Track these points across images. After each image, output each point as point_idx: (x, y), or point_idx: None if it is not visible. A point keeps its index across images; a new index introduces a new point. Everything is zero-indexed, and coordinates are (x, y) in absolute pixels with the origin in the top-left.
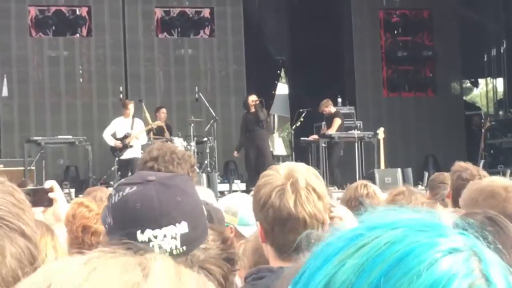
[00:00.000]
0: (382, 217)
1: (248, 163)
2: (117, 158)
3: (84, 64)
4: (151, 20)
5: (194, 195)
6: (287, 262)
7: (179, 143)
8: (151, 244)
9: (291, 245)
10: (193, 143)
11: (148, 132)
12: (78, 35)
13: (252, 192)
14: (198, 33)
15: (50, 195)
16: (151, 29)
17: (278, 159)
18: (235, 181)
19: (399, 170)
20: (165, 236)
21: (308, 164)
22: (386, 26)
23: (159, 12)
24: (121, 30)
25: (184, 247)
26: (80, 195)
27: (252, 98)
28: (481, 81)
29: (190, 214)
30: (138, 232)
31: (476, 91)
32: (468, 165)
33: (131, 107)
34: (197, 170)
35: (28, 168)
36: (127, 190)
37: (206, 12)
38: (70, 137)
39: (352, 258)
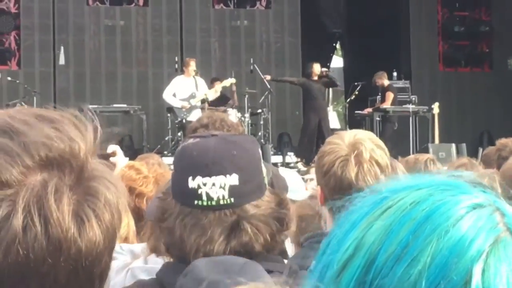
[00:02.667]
0: (405, 181)
1: (306, 129)
2: (182, 120)
3: (140, 33)
4: None
5: (252, 153)
6: None
7: (233, 114)
8: (199, 191)
9: None
10: (247, 115)
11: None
12: (134, 4)
13: (299, 164)
14: (254, 4)
15: (112, 159)
16: (208, 0)
17: (332, 132)
18: (289, 153)
19: (453, 145)
20: (213, 184)
21: None
22: (443, 0)
23: None
24: (178, 0)
25: (232, 199)
26: None
27: (318, 68)
28: None
29: (243, 168)
30: (190, 178)
31: None
32: (509, 141)
33: (192, 64)
34: None
35: None
36: (190, 141)
37: None
38: (125, 105)
39: (379, 219)
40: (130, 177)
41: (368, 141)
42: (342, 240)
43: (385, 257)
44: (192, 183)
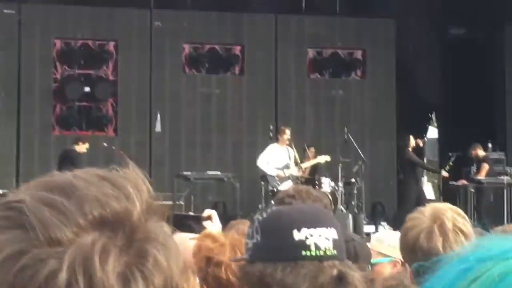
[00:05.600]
0: (492, 247)
1: (406, 198)
2: (274, 188)
3: (235, 101)
4: (303, 61)
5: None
6: None
7: (326, 183)
8: (307, 241)
9: None
10: (340, 184)
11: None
12: (230, 73)
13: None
14: (349, 74)
15: (205, 223)
16: (303, 69)
17: (427, 203)
18: (382, 223)
19: None
20: (320, 235)
21: None
22: None
23: (311, 53)
24: (273, 70)
25: (335, 251)
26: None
27: (413, 140)
28: None
29: (337, 225)
30: (295, 231)
31: None
32: None
33: (287, 132)
34: (342, 208)
35: (177, 202)
36: (275, 207)
37: (358, 53)
38: (219, 173)
39: None
40: (207, 246)
41: (449, 211)
42: None
43: None
44: (298, 235)
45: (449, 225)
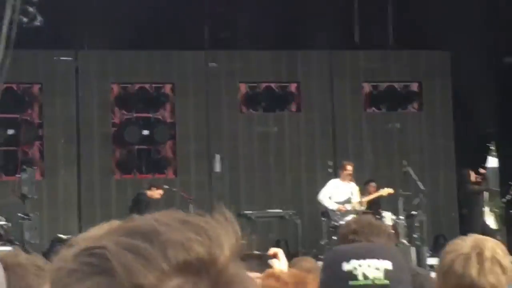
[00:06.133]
0: None
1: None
2: (334, 223)
3: (293, 138)
4: (359, 95)
5: (399, 252)
6: None
7: (388, 216)
8: (354, 272)
9: None
10: (402, 217)
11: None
12: (287, 110)
13: None
14: (406, 107)
15: (271, 262)
16: (359, 104)
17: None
18: None
19: None
20: (369, 266)
21: None
22: None
23: (367, 87)
24: (330, 105)
25: (387, 281)
26: None
27: (471, 174)
28: None
29: (395, 258)
30: (344, 262)
31: None
32: None
33: (349, 168)
34: (404, 241)
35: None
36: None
37: (414, 86)
38: (280, 210)
39: None
40: (270, 286)
41: (491, 242)
42: None
43: None
44: (347, 266)
45: (487, 254)
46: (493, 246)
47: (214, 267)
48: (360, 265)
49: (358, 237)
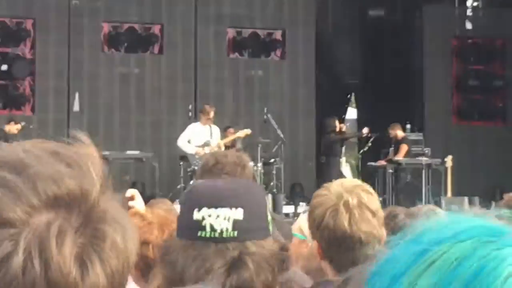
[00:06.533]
0: (443, 229)
1: (327, 182)
2: (193, 167)
3: (154, 81)
4: (223, 40)
5: (259, 195)
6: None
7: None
8: (203, 222)
9: (348, 263)
10: (260, 164)
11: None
12: (149, 52)
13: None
14: (269, 54)
15: (130, 203)
16: (222, 49)
17: None
18: (301, 203)
19: (466, 198)
20: (218, 216)
21: (374, 190)
22: (458, 54)
23: (231, 33)
24: (193, 49)
25: (235, 233)
26: None
27: (337, 123)
28: None
29: (248, 205)
30: (195, 210)
31: None
32: None
33: (210, 111)
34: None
35: None
36: (199, 181)
37: (277, 34)
38: (138, 153)
39: (423, 277)
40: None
41: (355, 188)
42: None
43: None
44: (197, 214)
45: (354, 202)
46: (357, 192)
47: (86, 202)
48: (209, 215)
49: (217, 170)
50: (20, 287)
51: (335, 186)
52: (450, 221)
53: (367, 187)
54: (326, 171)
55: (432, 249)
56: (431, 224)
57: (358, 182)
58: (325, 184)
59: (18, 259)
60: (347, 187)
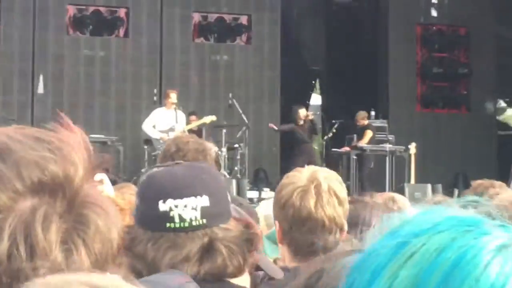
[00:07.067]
0: (421, 221)
1: (291, 167)
2: (158, 152)
3: (120, 65)
4: (189, 25)
5: (219, 179)
6: (303, 263)
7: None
8: (171, 213)
9: (307, 246)
10: (224, 149)
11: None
12: (115, 35)
13: None
14: (234, 39)
15: (99, 187)
16: (188, 34)
17: None
18: (264, 188)
19: (429, 185)
20: (185, 206)
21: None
22: (423, 41)
23: (196, 17)
24: (158, 33)
25: (204, 220)
26: None
27: (304, 113)
28: None
29: (212, 190)
30: (160, 202)
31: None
32: (485, 181)
33: (173, 96)
34: (225, 173)
35: None
36: (155, 170)
37: (243, 19)
38: (102, 136)
39: (403, 269)
40: None
41: (327, 174)
42: None
43: None
44: (163, 206)
45: (324, 186)
46: (330, 178)
47: (70, 187)
48: (176, 206)
49: (178, 157)
50: (6, 273)
51: (307, 169)
52: (427, 213)
53: (337, 176)
54: (292, 159)
55: (411, 241)
56: (409, 217)
57: (329, 170)
58: (297, 168)
59: (3, 245)
60: (319, 172)
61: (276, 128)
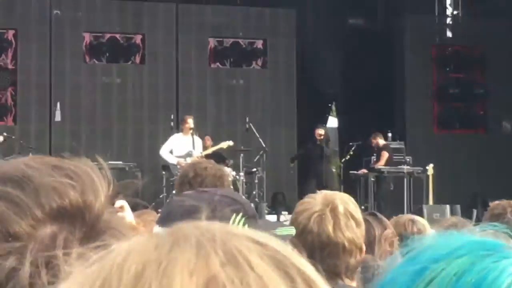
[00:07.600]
0: (440, 246)
1: (308, 191)
2: (175, 177)
3: (136, 91)
4: (205, 50)
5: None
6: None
7: (228, 172)
8: None
9: (330, 271)
10: (241, 173)
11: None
12: (131, 62)
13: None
14: (250, 64)
15: (119, 214)
16: (204, 59)
17: None
18: (283, 212)
19: (447, 206)
20: None
21: (357, 198)
22: (439, 62)
23: (212, 42)
24: (174, 59)
25: None
26: None
27: (319, 132)
28: None
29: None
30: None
31: None
32: (503, 201)
33: (190, 121)
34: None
35: None
36: (175, 196)
37: (259, 44)
38: (120, 163)
39: None
40: None
41: (341, 197)
42: None
43: None
44: None
45: (340, 209)
46: (344, 200)
47: (90, 213)
48: None
49: (196, 183)
50: None
51: (320, 195)
52: (445, 238)
53: (352, 199)
54: (306, 180)
55: (430, 267)
56: (427, 242)
57: (342, 193)
58: (309, 194)
59: (25, 272)
60: (333, 195)
61: (291, 164)
